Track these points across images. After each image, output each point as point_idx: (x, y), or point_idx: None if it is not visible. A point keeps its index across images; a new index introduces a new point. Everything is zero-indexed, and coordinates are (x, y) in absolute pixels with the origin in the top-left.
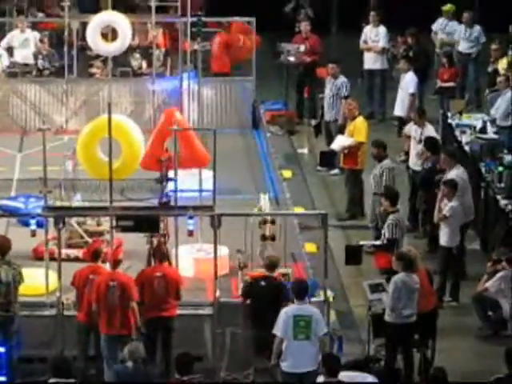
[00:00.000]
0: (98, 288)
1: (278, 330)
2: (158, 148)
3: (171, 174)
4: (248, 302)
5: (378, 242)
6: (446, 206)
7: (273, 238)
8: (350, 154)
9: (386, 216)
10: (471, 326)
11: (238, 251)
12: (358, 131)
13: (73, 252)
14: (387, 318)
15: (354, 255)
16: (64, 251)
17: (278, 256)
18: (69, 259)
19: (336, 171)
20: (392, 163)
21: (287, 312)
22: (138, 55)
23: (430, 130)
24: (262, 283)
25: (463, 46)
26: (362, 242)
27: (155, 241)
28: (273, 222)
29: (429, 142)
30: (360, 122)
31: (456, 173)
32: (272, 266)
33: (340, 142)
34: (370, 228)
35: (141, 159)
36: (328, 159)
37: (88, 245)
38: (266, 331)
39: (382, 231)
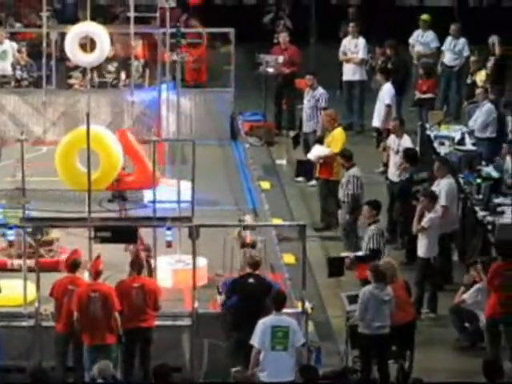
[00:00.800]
0: (80, 299)
1: (255, 340)
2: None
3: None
4: (228, 300)
5: (360, 253)
6: (425, 218)
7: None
8: (325, 165)
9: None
10: (449, 338)
11: (217, 275)
12: (334, 142)
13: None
14: (359, 328)
15: (336, 267)
16: (15, 262)
17: (259, 256)
18: (20, 270)
19: (314, 182)
20: (359, 172)
21: (265, 323)
22: (112, 68)
23: (407, 141)
24: (251, 280)
25: (448, 58)
26: (343, 254)
27: (141, 253)
28: (253, 247)
29: (408, 153)
30: (338, 132)
31: (448, 181)
32: (255, 264)
33: (316, 152)
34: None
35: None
36: (304, 168)
37: (67, 255)
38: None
39: (364, 242)
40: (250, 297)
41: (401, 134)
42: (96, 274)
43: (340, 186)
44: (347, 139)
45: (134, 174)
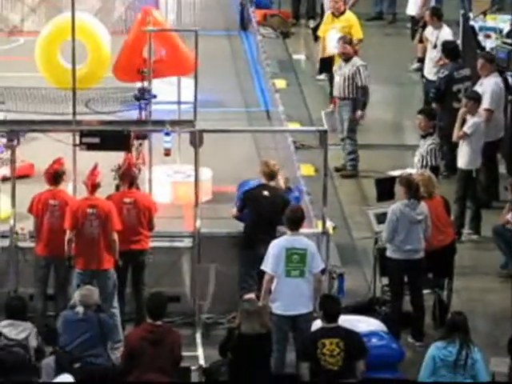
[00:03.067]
0: (74, 216)
1: (267, 265)
2: (134, 55)
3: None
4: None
5: (414, 171)
6: (468, 122)
7: None
8: None
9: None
10: (494, 264)
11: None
12: (355, 28)
13: None
14: (388, 252)
15: (386, 189)
16: None
17: (277, 164)
18: None
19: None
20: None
21: (278, 244)
22: None
23: (447, 33)
24: (265, 193)
25: None
26: (393, 173)
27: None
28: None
29: (447, 46)
30: (352, 16)
31: (494, 81)
32: (272, 174)
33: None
34: (342, 142)
35: (112, 67)
36: (330, 65)
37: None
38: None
39: (417, 158)
40: (264, 212)
41: (438, 25)
42: (93, 187)
43: (341, 77)
44: (378, 30)
45: (165, 60)
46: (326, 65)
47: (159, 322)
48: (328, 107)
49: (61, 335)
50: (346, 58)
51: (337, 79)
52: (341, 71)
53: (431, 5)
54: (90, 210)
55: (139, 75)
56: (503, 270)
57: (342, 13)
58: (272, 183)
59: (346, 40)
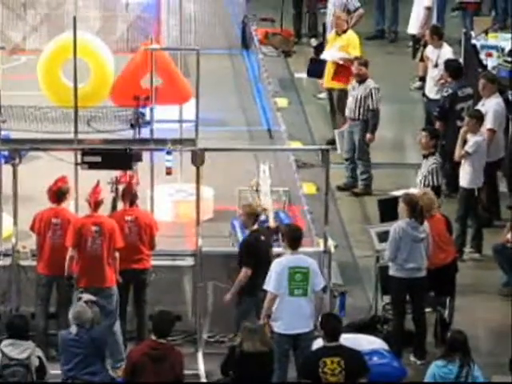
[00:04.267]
0: (77, 233)
1: (269, 283)
2: (132, 85)
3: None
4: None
5: (416, 191)
6: (469, 141)
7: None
8: (343, 70)
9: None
10: (495, 282)
11: None
12: (353, 45)
13: None
14: (390, 271)
15: (389, 210)
16: None
17: (260, 206)
18: None
19: (323, 95)
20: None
21: (281, 263)
22: None
23: (448, 52)
24: (261, 238)
25: None
26: (395, 193)
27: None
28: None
29: (450, 65)
30: (353, 36)
31: (496, 101)
32: (256, 214)
33: (333, 54)
34: (346, 161)
35: (111, 88)
36: (318, 68)
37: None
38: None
39: (419, 178)
40: (263, 257)
41: (438, 44)
42: (96, 204)
43: (354, 99)
44: (380, 49)
45: (162, 88)
46: (316, 67)
47: (163, 340)
48: (329, 126)
49: (60, 355)
50: (361, 80)
51: (350, 100)
52: (354, 92)
53: (432, 23)
54: (94, 228)
55: (135, 101)
56: (504, 288)
57: (345, 31)
58: (254, 227)
59: (362, 61)
